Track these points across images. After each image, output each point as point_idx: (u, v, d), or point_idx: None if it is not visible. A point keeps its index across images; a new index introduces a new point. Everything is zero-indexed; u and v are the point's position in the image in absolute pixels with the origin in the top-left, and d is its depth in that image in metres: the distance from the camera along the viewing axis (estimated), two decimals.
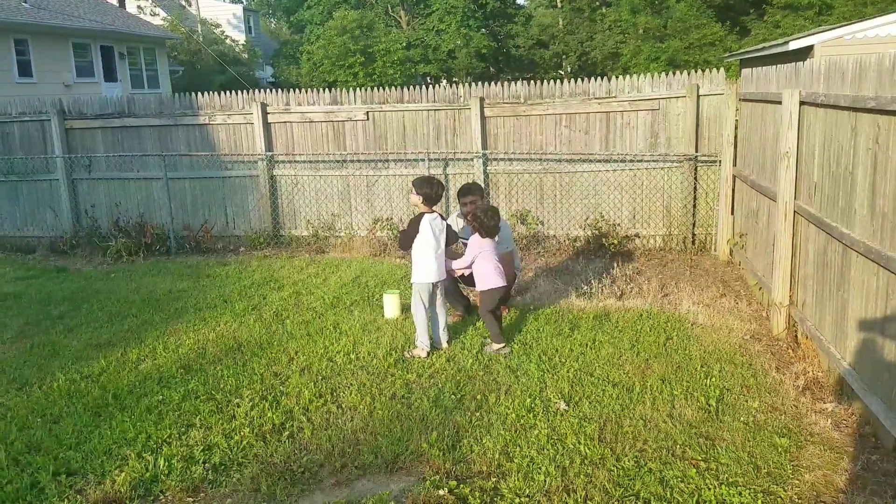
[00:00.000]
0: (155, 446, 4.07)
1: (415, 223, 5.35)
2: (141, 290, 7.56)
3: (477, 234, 5.52)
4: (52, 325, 6.45)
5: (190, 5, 34.91)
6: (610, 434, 4.03)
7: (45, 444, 4.14)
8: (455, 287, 6.19)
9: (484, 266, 5.51)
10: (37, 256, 9.52)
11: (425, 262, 5.36)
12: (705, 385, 4.61)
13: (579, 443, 3.93)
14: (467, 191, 6.11)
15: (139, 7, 32.86)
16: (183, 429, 4.27)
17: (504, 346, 5.34)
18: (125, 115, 9.77)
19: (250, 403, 4.55)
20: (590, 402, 4.42)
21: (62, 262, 9.17)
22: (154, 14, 32.89)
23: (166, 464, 3.86)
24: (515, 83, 8.84)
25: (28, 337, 6.16)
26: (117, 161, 9.79)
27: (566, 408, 4.35)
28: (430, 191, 5.33)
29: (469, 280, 6.01)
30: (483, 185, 8.55)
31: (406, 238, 5.42)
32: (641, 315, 6.03)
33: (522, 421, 4.21)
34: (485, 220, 5.49)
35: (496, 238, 5.64)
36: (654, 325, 5.77)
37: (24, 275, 8.49)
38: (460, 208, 6.17)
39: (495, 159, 8.86)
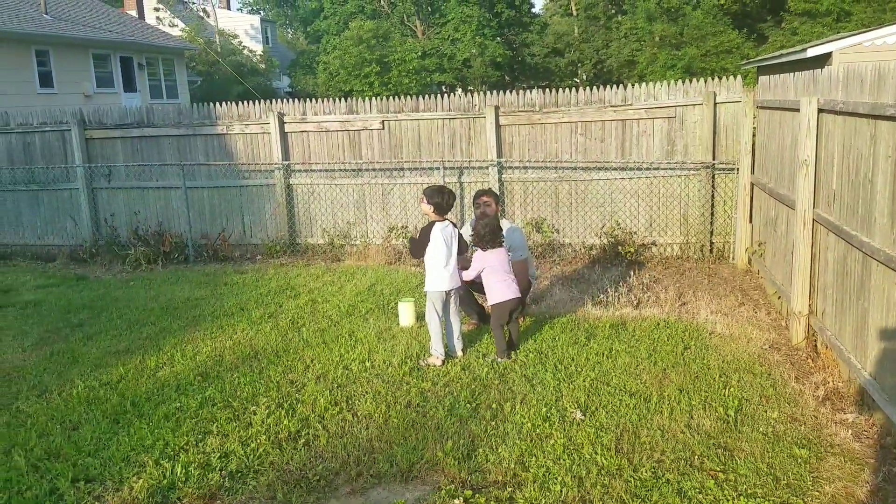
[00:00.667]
0: (172, 453, 4.09)
1: (426, 232, 5.36)
2: (159, 298, 7.63)
3: (479, 250, 5.53)
4: (71, 333, 6.53)
5: (208, 16, 35.35)
6: (627, 444, 4.00)
7: (65, 450, 4.18)
8: (469, 296, 6.19)
9: (490, 279, 5.49)
10: (57, 265, 9.64)
11: (437, 270, 5.37)
12: (724, 395, 4.57)
13: (596, 453, 3.90)
14: (482, 192, 6.17)
15: (158, 18, 33.33)
16: (200, 436, 4.30)
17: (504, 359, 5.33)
18: (144, 125, 9.89)
19: (266, 411, 4.57)
20: (606, 412, 4.39)
21: (82, 270, 9.28)
22: (173, 25, 33.33)
23: (183, 471, 3.88)
24: (530, 91, 8.85)
25: (48, 344, 6.23)
26: (137, 170, 9.91)
27: (582, 417, 4.33)
28: (441, 200, 5.34)
29: (482, 289, 6.00)
30: (498, 193, 8.58)
31: (417, 246, 5.43)
32: (659, 324, 5.99)
33: (538, 430, 4.19)
34: (478, 230, 5.49)
35: (507, 249, 5.63)
36: (672, 335, 5.72)
37: (45, 283, 8.60)
38: (474, 210, 6.18)
39: (510, 167, 8.86)
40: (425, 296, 5.49)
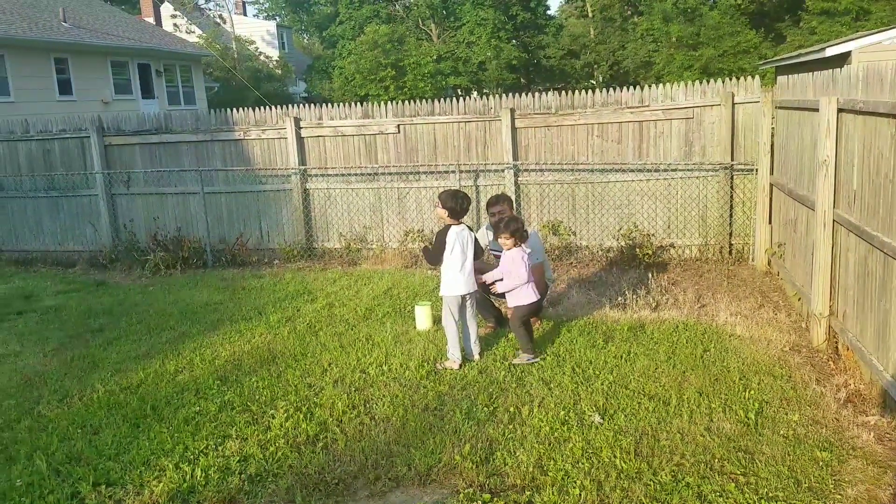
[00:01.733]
0: (192, 457, 4.12)
1: (441, 236, 5.36)
2: (178, 302, 7.69)
3: (508, 250, 5.46)
4: (92, 338, 6.60)
5: (225, 23, 35.65)
6: (646, 448, 3.97)
7: (86, 454, 4.23)
8: (486, 299, 6.18)
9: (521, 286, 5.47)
10: (77, 270, 9.75)
11: (453, 274, 5.36)
12: (744, 398, 4.52)
13: (615, 456, 3.88)
14: (495, 201, 6.12)
15: (175, 25, 33.64)
16: (219, 440, 4.32)
17: (534, 357, 5.31)
18: (163, 131, 9.98)
19: (285, 415, 4.59)
20: (625, 415, 4.36)
21: (102, 275, 9.38)
22: (190, 32, 33.63)
23: (203, 475, 3.91)
24: (546, 94, 8.83)
25: (69, 349, 6.30)
26: (155, 176, 10.01)
27: (601, 421, 4.30)
28: (455, 204, 5.34)
29: (500, 294, 5.99)
30: (514, 197, 8.57)
31: (435, 253, 5.41)
32: (677, 326, 5.95)
33: (556, 434, 4.17)
34: (510, 227, 5.43)
35: (527, 250, 5.61)
36: (691, 337, 5.68)
37: (65, 288, 8.70)
38: (489, 219, 6.17)
39: (526, 170, 8.84)
40: (442, 299, 5.48)
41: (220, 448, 4.22)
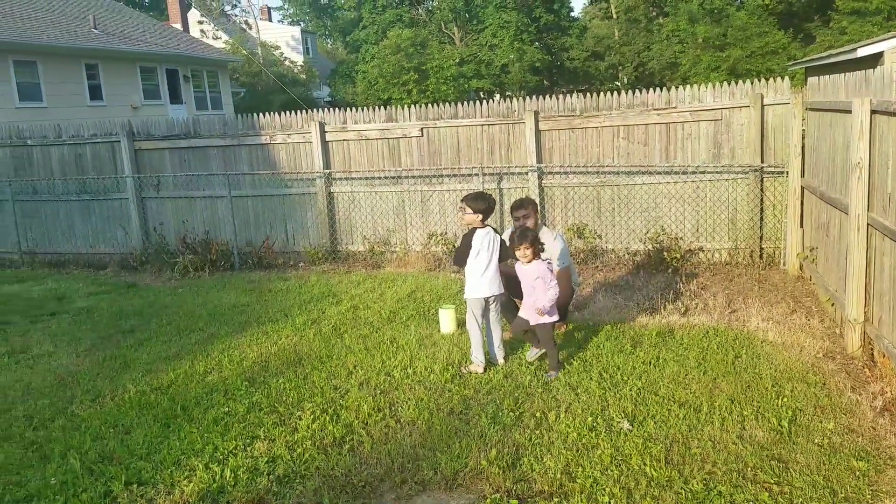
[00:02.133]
0: (221, 457, 4.16)
1: (468, 238, 5.35)
2: (207, 304, 7.78)
3: (529, 264, 5.29)
4: (123, 339, 6.69)
5: (251, 28, 36.06)
6: (677, 455, 3.92)
7: (118, 453, 4.28)
8: (511, 303, 6.15)
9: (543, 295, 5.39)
10: (108, 273, 9.91)
11: (477, 277, 5.34)
12: (777, 405, 4.45)
13: (645, 464, 3.83)
14: (520, 204, 6.06)
15: (202, 31, 34.13)
16: (248, 440, 4.36)
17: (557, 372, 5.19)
18: (191, 136, 10.11)
19: (311, 416, 4.61)
20: (655, 422, 4.31)
21: (132, 277, 9.52)
22: (217, 37, 34.08)
23: (232, 475, 3.94)
24: (571, 96, 8.79)
25: (101, 350, 6.40)
26: (184, 180, 10.13)
27: (630, 427, 4.26)
28: (483, 205, 5.32)
29: (521, 294, 5.94)
30: (538, 199, 8.53)
31: (460, 255, 5.40)
32: (708, 332, 5.87)
33: (584, 440, 4.14)
34: (527, 236, 5.27)
35: (547, 259, 5.54)
36: (722, 343, 5.60)
37: (97, 290, 8.84)
38: (513, 222, 6.14)
39: (550, 173, 8.80)
40: (466, 302, 5.47)
41: (248, 449, 4.25)
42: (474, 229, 5.34)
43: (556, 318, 5.29)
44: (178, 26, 30.23)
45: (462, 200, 5.43)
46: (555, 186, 8.81)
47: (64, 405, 5.10)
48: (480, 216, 5.31)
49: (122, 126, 10.28)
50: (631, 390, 4.78)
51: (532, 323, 5.27)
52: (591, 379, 5.01)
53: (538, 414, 4.50)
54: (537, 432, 4.26)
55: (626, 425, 4.28)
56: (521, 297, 5.97)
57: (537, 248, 5.28)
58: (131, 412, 4.88)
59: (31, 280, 9.64)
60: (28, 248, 10.84)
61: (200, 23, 35.66)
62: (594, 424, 4.31)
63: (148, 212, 10.37)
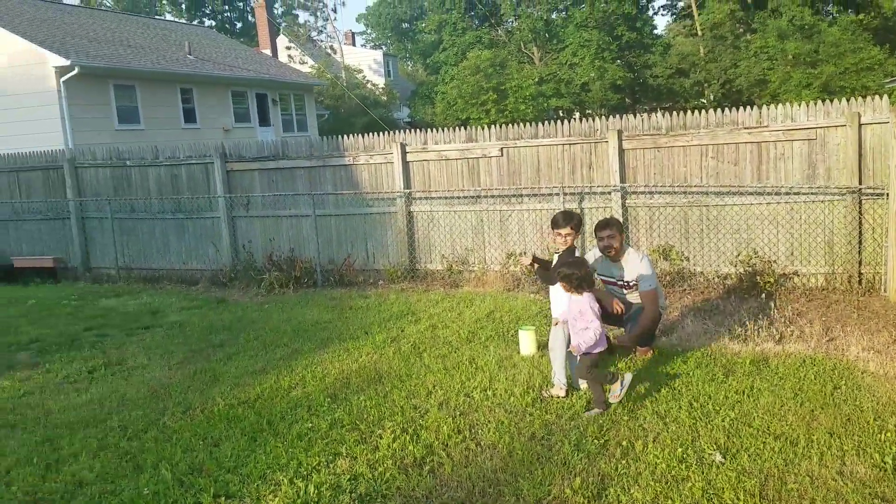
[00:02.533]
0: (305, 473, 4.21)
1: (568, 257, 5.30)
2: (291, 320, 7.97)
3: (584, 296, 5.06)
4: (213, 353, 6.93)
5: (335, 53, 37.20)
6: (772, 491, 3.70)
7: (207, 466, 4.41)
8: None
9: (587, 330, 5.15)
10: (199, 288, 10.33)
11: (563, 298, 5.25)
12: (880, 440, 4.16)
13: (738, 499, 3.64)
14: (604, 225, 5.94)
15: (290, 56, 35.48)
16: (330, 457, 4.40)
17: (606, 408, 4.87)
18: (279, 157, 10.46)
19: (392, 435, 4.62)
20: (749, 455, 4.09)
21: (222, 293, 9.89)
22: (303, 62, 35.33)
23: (316, 491, 3.98)
24: (655, 114, 8.61)
25: (192, 363, 6.65)
26: (272, 200, 10.49)
27: (722, 460, 4.06)
28: (577, 224, 5.34)
29: (611, 319, 5.82)
30: (621, 219, 8.36)
31: (552, 273, 5.33)
32: (804, 361, 5.56)
33: (673, 472, 3.97)
34: (563, 271, 5.01)
35: (631, 281, 5.42)
36: (819, 373, 5.29)
37: (189, 305, 9.22)
38: (597, 243, 6.03)
39: (634, 192, 8.62)
40: (549, 323, 5.39)
41: (331, 465, 4.29)
42: (573, 248, 5.32)
43: (597, 350, 5.01)
44: (268, 52, 31.53)
45: (564, 222, 5.34)
46: (639, 206, 8.61)
47: (156, 416, 5.30)
48: (573, 233, 5.31)
49: (215, 148, 10.75)
50: (723, 421, 4.57)
51: (574, 354, 5.06)
52: (680, 408, 4.82)
53: (624, 443, 4.36)
54: (624, 462, 4.12)
55: (718, 458, 4.08)
56: (609, 322, 5.84)
57: (582, 284, 4.99)
58: (220, 425, 5.03)
59: (127, 295, 10.16)
60: (125, 264, 11.44)
61: (288, 48, 37.06)
62: (684, 456, 4.13)
63: (237, 230, 10.77)
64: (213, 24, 50.53)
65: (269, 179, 10.55)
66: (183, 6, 50.47)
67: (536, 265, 5.63)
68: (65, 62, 16.93)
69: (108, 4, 47.23)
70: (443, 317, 7.64)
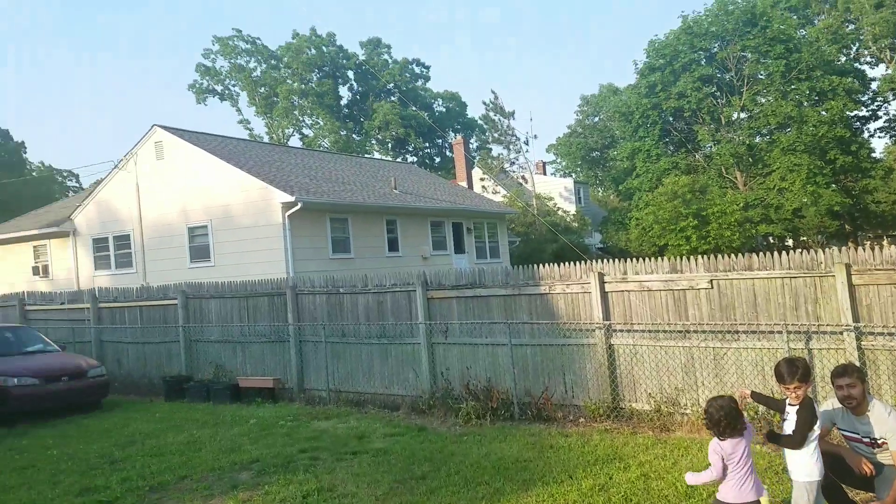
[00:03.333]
0: None
1: (810, 411, 4.76)
2: (490, 455, 7.82)
3: (715, 438, 4.63)
4: (416, 486, 6.94)
5: (527, 182, 38.60)
6: None
7: None
8: (838, 489, 5.23)
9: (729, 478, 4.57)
10: (400, 414, 10.59)
11: (808, 456, 4.65)
12: None
13: None
14: (843, 372, 5.29)
15: (483, 187, 37.37)
16: None
17: None
18: (476, 285, 10.75)
19: None
20: None
21: (421, 420, 10.04)
22: (496, 192, 36.97)
23: None
24: (890, 246, 7.72)
25: (397, 495, 6.68)
26: (468, 327, 10.70)
27: None
28: (804, 375, 4.83)
29: (857, 481, 5.05)
30: (861, 368, 7.40)
31: (801, 434, 4.74)
32: None
33: None
34: (712, 413, 4.60)
35: (870, 436, 4.69)
36: None
37: (391, 432, 9.42)
38: (835, 391, 5.35)
39: (871, 333, 7.65)
40: (792, 484, 4.77)
41: None
42: (811, 399, 4.78)
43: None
44: (464, 184, 33.48)
45: (789, 378, 4.85)
46: (878, 349, 7.62)
47: None
48: (806, 385, 4.77)
49: (417, 277, 11.32)
50: None
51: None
52: None
53: None
54: None
55: None
56: (848, 481, 5.08)
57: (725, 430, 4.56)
58: None
59: (336, 418, 10.64)
60: (334, 387, 12.10)
61: (482, 179, 39.10)
62: None
63: (436, 356, 11.03)
64: (415, 159, 55.11)
65: (465, 307, 10.80)
66: (389, 145, 55.77)
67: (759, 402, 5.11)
68: (290, 198, 19.10)
69: (325, 146, 53.58)
70: (655, 465, 7.06)
